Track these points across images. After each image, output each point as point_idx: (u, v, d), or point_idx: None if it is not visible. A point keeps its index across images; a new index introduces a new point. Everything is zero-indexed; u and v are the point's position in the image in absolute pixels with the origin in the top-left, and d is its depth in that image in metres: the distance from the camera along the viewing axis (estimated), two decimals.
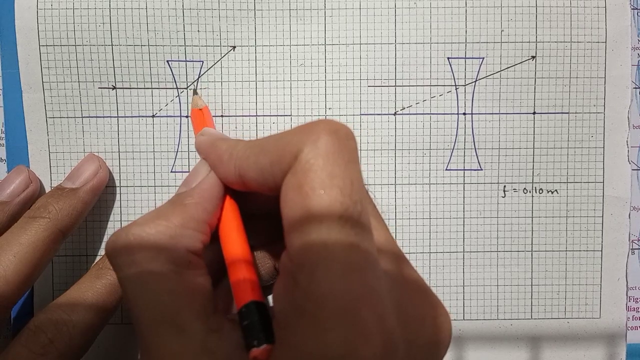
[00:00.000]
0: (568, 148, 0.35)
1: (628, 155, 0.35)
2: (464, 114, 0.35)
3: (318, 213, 0.21)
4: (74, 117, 0.35)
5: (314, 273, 0.20)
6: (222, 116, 0.35)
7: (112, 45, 0.34)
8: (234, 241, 0.25)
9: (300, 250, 0.21)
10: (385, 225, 0.25)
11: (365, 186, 0.25)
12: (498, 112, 0.35)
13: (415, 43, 0.34)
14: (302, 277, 0.21)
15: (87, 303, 0.30)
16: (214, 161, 0.26)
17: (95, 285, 0.30)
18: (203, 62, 0.35)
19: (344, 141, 0.22)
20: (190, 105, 0.35)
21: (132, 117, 0.35)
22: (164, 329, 0.22)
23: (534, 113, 0.35)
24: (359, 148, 0.34)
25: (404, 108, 0.35)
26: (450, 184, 0.35)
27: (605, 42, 0.35)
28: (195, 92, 0.35)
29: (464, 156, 0.35)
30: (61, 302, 0.30)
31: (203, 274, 0.24)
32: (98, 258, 0.35)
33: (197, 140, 0.28)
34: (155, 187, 0.35)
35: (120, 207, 0.35)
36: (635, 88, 0.36)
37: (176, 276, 0.23)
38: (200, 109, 0.32)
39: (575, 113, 0.35)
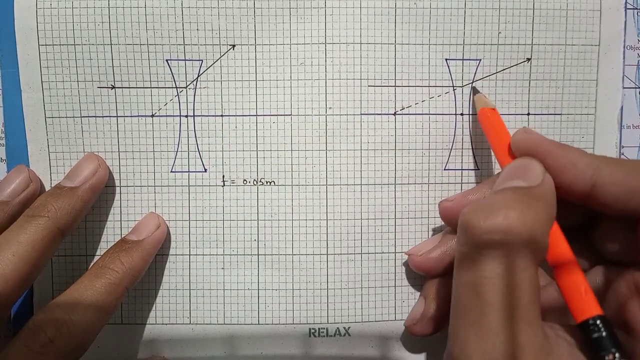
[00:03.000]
0: None
1: (618, 156, 0.36)
2: (462, 114, 0.35)
3: None
4: (73, 117, 0.35)
5: None
6: (222, 116, 0.35)
7: (111, 44, 0.34)
8: (564, 252, 0.26)
9: None
10: None
11: None
12: None
13: (415, 44, 0.35)
14: None
15: (86, 302, 0.30)
16: (563, 164, 0.27)
17: (95, 285, 0.30)
18: (202, 61, 0.35)
19: None
20: (475, 104, 0.35)
21: (131, 116, 0.35)
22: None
23: (528, 114, 0.36)
24: (359, 148, 0.35)
25: (403, 108, 0.35)
26: (449, 183, 0.35)
27: (599, 45, 0.35)
28: (477, 90, 0.35)
29: (462, 156, 0.36)
30: (61, 302, 0.30)
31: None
32: (97, 257, 0.34)
33: (520, 137, 0.29)
34: (154, 187, 0.35)
35: (120, 207, 0.35)
36: (635, 88, 0.36)
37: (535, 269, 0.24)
38: (493, 109, 0.33)
39: (568, 114, 0.36)
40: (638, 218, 0.26)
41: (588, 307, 0.25)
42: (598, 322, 0.24)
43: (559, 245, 0.26)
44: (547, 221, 0.25)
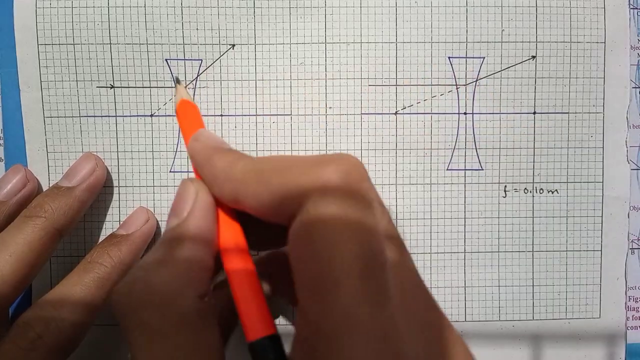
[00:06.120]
0: (568, 148, 0.35)
1: (627, 155, 0.35)
2: (465, 113, 0.35)
3: (336, 274, 0.19)
4: (72, 117, 0.34)
5: (334, 343, 0.18)
6: (221, 115, 0.34)
7: (110, 44, 0.34)
8: (239, 264, 0.23)
9: (318, 317, 0.19)
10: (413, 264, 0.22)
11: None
12: (499, 112, 0.35)
13: (416, 42, 0.34)
14: (322, 346, 0.18)
15: (75, 298, 0.30)
16: (208, 178, 0.24)
17: (84, 280, 0.30)
18: (202, 60, 0.34)
19: (357, 184, 0.20)
20: (174, 98, 0.33)
21: (130, 116, 0.35)
22: None
23: (534, 113, 0.35)
24: (359, 148, 0.34)
25: (404, 107, 0.35)
26: (452, 184, 0.35)
27: (605, 42, 0.35)
28: (179, 81, 0.30)
29: (465, 156, 0.35)
30: (50, 298, 0.30)
31: (214, 323, 0.22)
32: None
33: (190, 146, 0.25)
34: (154, 187, 0.35)
35: (119, 207, 0.35)
36: (635, 87, 0.36)
37: (187, 332, 0.21)
38: (191, 102, 0.28)
39: (575, 113, 0.35)
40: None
41: (255, 327, 0.22)
42: (264, 343, 0.21)
43: (234, 268, 0.23)
44: (192, 269, 0.22)
